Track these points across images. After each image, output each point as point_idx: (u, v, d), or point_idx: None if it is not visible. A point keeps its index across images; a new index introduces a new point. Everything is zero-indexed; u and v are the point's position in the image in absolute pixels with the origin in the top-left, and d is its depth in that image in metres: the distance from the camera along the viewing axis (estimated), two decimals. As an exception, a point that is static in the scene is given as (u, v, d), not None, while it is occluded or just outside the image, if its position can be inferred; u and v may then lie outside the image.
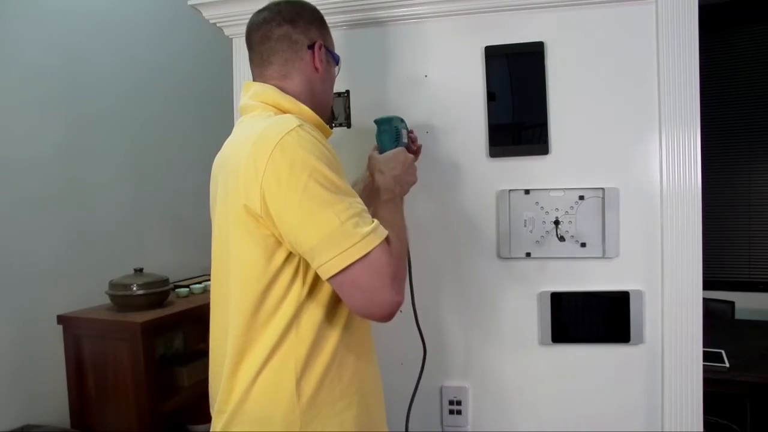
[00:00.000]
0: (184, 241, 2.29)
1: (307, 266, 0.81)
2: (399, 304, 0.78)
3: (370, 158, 1.01)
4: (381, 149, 1.02)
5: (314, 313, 0.83)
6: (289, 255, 0.80)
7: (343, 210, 0.75)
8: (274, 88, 0.90)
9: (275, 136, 0.77)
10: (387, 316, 0.78)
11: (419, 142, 1.14)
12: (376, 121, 1.04)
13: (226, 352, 0.85)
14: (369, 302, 0.77)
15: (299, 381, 0.81)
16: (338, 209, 0.75)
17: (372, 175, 0.99)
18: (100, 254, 1.96)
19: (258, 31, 0.92)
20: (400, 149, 1.00)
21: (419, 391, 1.11)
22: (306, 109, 0.89)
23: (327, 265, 0.75)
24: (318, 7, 1.14)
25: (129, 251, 2.08)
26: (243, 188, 0.78)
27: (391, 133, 1.02)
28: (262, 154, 0.76)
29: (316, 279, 0.82)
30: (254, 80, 0.94)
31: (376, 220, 0.79)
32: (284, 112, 0.87)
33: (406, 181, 0.99)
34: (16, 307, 1.68)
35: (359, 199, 0.80)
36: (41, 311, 1.74)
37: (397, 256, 0.80)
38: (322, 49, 0.93)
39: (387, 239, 0.78)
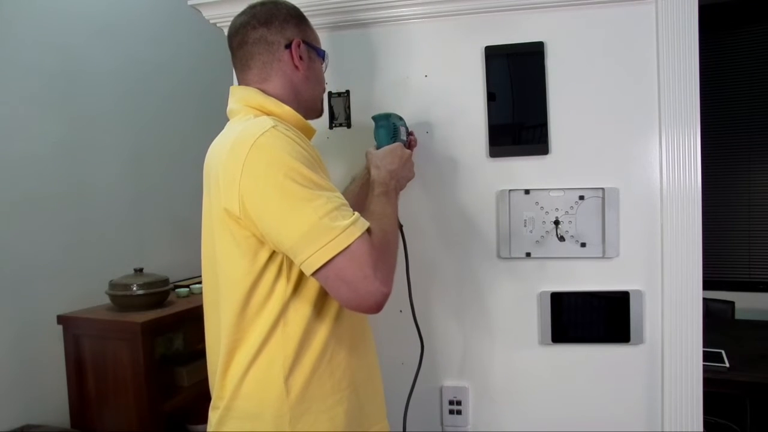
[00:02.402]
0: (184, 241, 2.29)
1: (291, 264, 0.82)
2: (386, 295, 0.78)
3: (367, 154, 1.01)
4: (378, 145, 1.02)
5: (301, 309, 0.83)
6: (272, 254, 0.81)
7: (321, 205, 0.76)
8: (257, 90, 0.90)
9: (250, 138, 0.78)
10: (375, 308, 0.78)
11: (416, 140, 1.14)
12: (373, 118, 1.04)
13: (219, 352, 0.86)
14: (355, 294, 0.76)
15: (288, 377, 0.82)
16: (316, 205, 0.75)
17: (368, 169, 0.99)
18: (100, 254, 1.96)
19: (236, 36, 0.92)
20: (397, 144, 1.00)
21: (419, 391, 1.11)
22: (288, 110, 0.89)
23: (309, 261, 0.75)
24: (321, 8, 1.14)
25: (129, 251, 2.08)
26: (223, 191, 0.79)
27: (388, 129, 1.02)
28: (239, 157, 0.77)
29: (301, 276, 0.83)
30: (238, 84, 0.94)
31: (356, 213, 0.79)
32: (267, 113, 0.87)
33: (402, 176, 0.99)
34: (16, 307, 1.68)
35: (338, 194, 0.80)
36: (41, 311, 1.74)
37: (381, 248, 0.80)
38: (301, 46, 0.92)
39: (368, 230, 0.79)
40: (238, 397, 0.84)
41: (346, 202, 0.80)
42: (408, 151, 1.02)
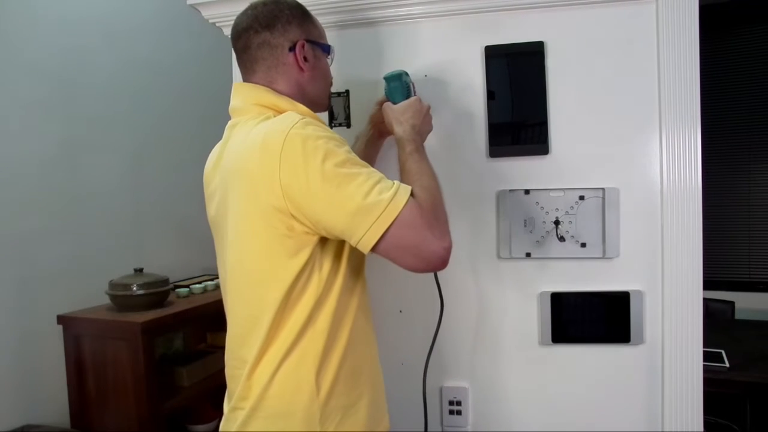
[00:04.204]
0: (184, 241, 2.29)
1: (322, 262, 0.83)
2: (448, 249, 0.80)
3: (384, 108, 1.02)
4: (393, 102, 1.03)
5: (328, 309, 0.84)
6: (310, 256, 0.82)
7: (362, 182, 0.77)
8: (268, 89, 0.90)
9: (281, 133, 0.78)
10: (441, 264, 0.81)
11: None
12: (385, 78, 1.04)
13: (246, 354, 0.85)
14: (419, 258, 0.79)
15: (318, 375, 0.83)
16: (358, 183, 0.77)
17: (390, 126, 1.00)
18: (100, 254, 1.96)
19: (239, 40, 0.92)
20: (415, 98, 1.01)
21: (419, 392, 1.11)
22: (302, 107, 0.90)
23: (364, 239, 0.77)
24: (319, 8, 1.13)
25: (129, 251, 2.08)
26: (264, 191, 0.79)
27: (403, 88, 1.03)
28: (274, 153, 0.77)
29: (331, 277, 0.84)
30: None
31: (396, 181, 0.81)
32: (281, 111, 0.87)
33: (424, 130, 1.00)
34: (16, 307, 1.68)
35: (372, 168, 0.82)
36: (41, 311, 1.74)
37: (428, 207, 0.81)
38: (305, 46, 0.91)
39: (412, 194, 0.80)
40: (266, 397, 0.83)
41: (382, 175, 0.81)
42: (426, 104, 1.02)
